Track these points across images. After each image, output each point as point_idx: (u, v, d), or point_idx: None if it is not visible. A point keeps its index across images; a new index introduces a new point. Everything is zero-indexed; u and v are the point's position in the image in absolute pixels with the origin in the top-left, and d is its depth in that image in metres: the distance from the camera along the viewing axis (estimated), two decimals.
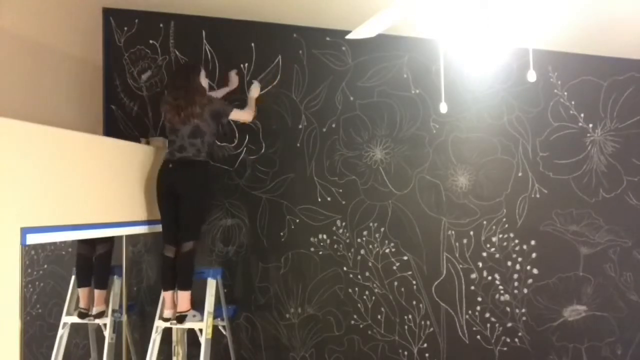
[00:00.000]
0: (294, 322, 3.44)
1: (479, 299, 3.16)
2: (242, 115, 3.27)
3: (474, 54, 3.17)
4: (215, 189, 3.48)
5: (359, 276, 3.34)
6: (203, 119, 3.07)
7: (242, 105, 3.36)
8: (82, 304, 3.08)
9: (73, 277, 3.11)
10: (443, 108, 2.35)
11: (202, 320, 3.04)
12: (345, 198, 3.37)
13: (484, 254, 3.16)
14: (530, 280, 3.09)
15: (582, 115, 3.07)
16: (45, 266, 2.94)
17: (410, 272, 3.26)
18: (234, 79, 3.49)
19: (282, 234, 3.47)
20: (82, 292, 3.10)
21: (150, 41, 3.77)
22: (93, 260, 3.15)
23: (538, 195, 3.10)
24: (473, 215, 3.18)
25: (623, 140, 3.02)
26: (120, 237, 3.09)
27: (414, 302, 3.25)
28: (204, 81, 3.21)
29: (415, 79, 3.29)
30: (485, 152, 3.18)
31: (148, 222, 3.20)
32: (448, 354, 3.20)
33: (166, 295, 3.07)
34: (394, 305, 3.28)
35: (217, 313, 3.26)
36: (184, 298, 3.01)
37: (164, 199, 3.09)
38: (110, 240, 3.16)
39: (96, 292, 3.13)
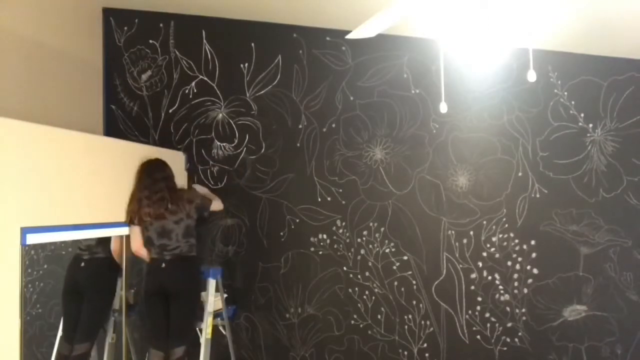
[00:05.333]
0: (294, 322, 3.44)
1: (479, 298, 3.16)
2: (217, 205, 3.25)
3: (474, 54, 3.16)
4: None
5: (359, 276, 3.34)
6: (191, 216, 3.02)
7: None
8: None
9: None
10: (443, 108, 2.34)
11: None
12: (345, 198, 3.37)
13: (484, 254, 3.16)
14: (530, 280, 3.09)
15: (582, 115, 3.07)
16: (45, 266, 2.93)
17: (410, 272, 3.26)
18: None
19: (282, 234, 3.47)
20: None
21: (150, 41, 3.77)
22: None
23: (538, 195, 3.10)
24: (473, 215, 3.18)
25: (623, 140, 3.02)
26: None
27: (414, 302, 3.25)
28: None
29: (415, 79, 3.29)
30: (485, 152, 3.18)
31: None
32: (448, 354, 3.20)
33: None
34: (394, 305, 3.28)
35: (217, 312, 3.26)
36: None
37: (154, 300, 2.93)
38: (90, 340, 2.94)
39: None
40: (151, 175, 2.98)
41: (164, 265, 2.94)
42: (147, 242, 2.98)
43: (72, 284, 2.92)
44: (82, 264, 2.93)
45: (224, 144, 3.59)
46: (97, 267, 2.99)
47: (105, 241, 3.01)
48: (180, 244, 2.98)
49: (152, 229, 2.95)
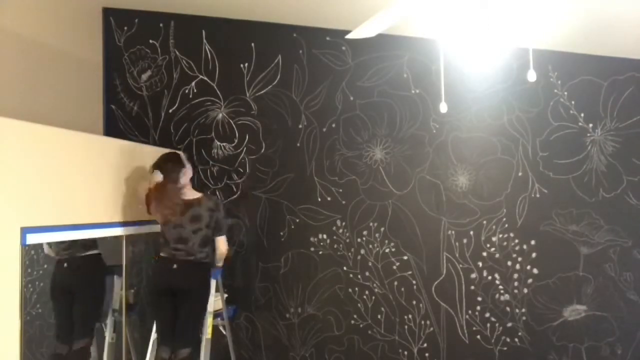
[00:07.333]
0: (294, 322, 3.44)
1: (479, 298, 3.16)
2: (223, 246, 3.07)
3: (474, 54, 3.16)
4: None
5: (359, 276, 3.34)
6: (210, 227, 2.97)
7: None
8: None
9: None
10: (443, 108, 2.34)
11: None
12: (345, 198, 3.37)
13: (484, 254, 3.16)
14: (530, 280, 3.09)
15: (582, 115, 3.07)
16: (45, 266, 2.93)
17: (410, 272, 3.26)
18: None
19: (282, 234, 3.47)
20: None
21: (150, 41, 3.77)
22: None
23: (538, 195, 3.10)
24: (473, 215, 3.18)
25: (623, 140, 3.02)
26: (119, 239, 3.08)
27: (414, 302, 3.25)
28: (189, 169, 3.04)
29: (415, 79, 3.29)
30: (485, 152, 3.18)
31: (148, 222, 3.19)
32: (448, 354, 3.20)
33: None
34: (394, 305, 3.28)
35: (217, 312, 3.26)
36: None
37: (162, 297, 2.89)
38: (89, 336, 2.90)
39: None
40: (165, 182, 2.91)
41: (175, 266, 2.90)
42: (163, 244, 2.95)
43: (59, 286, 2.86)
44: (65, 265, 2.87)
45: (224, 144, 3.59)
46: (83, 265, 2.95)
47: (87, 240, 2.95)
48: (194, 251, 2.93)
49: (174, 233, 2.91)
